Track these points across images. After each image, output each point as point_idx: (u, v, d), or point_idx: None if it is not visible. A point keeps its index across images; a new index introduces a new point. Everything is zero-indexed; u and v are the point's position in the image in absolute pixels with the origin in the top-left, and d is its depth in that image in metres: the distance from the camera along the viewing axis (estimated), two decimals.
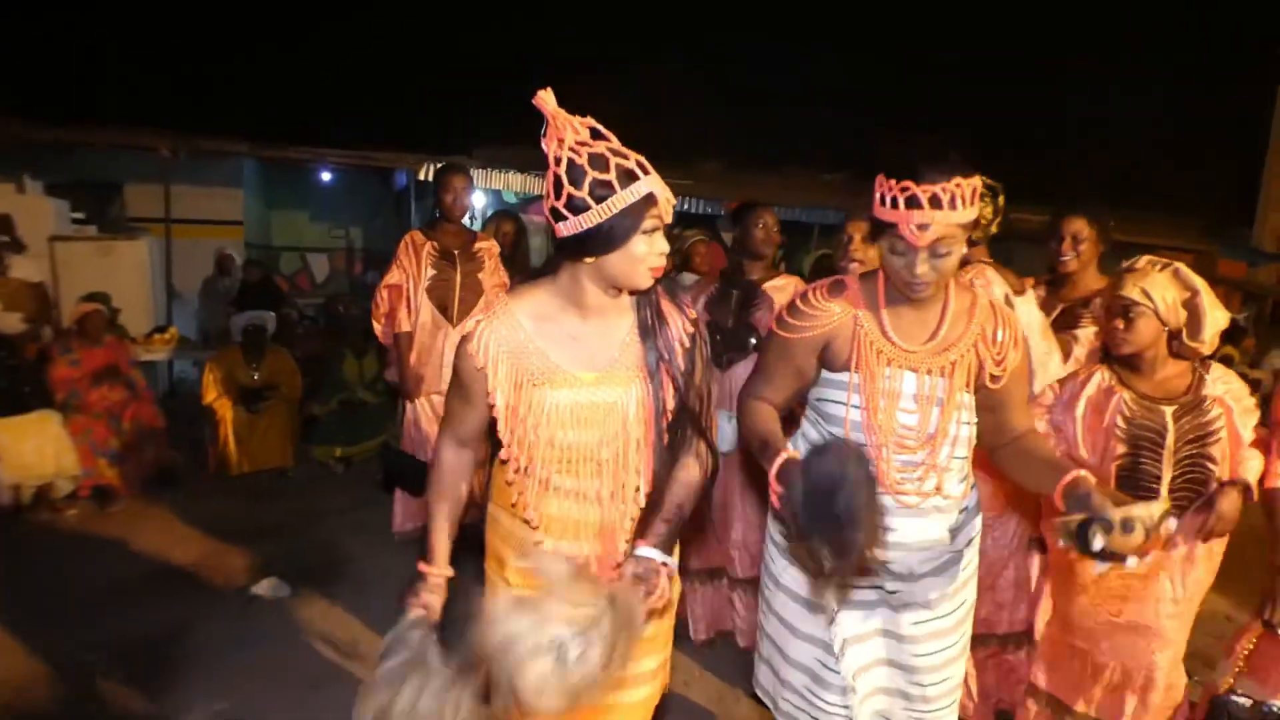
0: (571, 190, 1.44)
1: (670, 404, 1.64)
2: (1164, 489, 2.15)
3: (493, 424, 1.61)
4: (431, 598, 1.59)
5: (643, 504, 1.63)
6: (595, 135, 1.48)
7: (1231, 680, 2.25)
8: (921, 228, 1.48)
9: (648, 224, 1.48)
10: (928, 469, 1.69)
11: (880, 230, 1.55)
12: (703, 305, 3.00)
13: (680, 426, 1.65)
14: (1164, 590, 2.18)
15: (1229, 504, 2.11)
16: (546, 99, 1.46)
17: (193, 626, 3.17)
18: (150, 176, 8.23)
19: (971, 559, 1.80)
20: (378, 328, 3.72)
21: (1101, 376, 2.25)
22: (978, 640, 2.28)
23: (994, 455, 1.77)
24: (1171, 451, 2.15)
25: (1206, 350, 2.17)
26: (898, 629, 1.77)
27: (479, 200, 9.10)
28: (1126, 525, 1.33)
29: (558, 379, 1.59)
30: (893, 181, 1.49)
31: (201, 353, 6.42)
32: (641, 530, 1.56)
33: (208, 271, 7.88)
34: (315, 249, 12.11)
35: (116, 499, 4.56)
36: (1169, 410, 2.16)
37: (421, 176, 8.73)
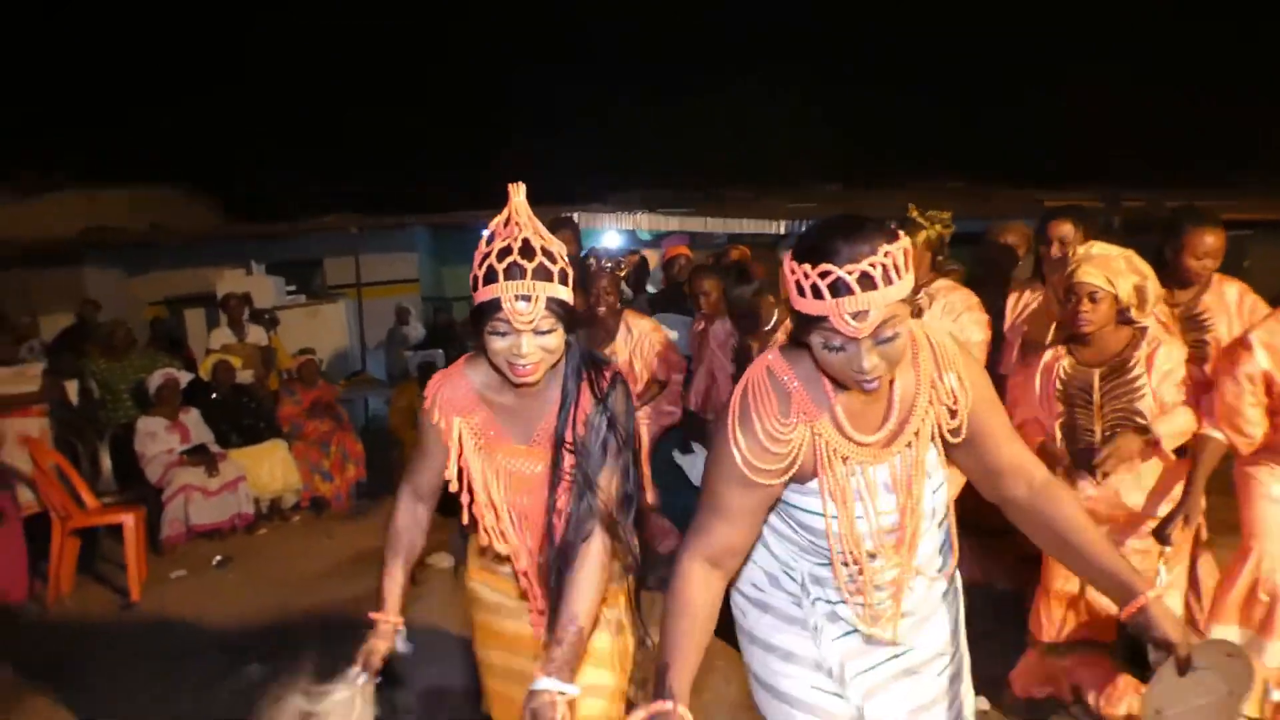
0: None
1: (572, 483, 1.63)
2: (1097, 440, 2.41)
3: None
4: (379, 643, 1.66)
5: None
6: (508, 223, 1.50)
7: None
8: (858, 316, 1.18)
9: (494, 325, 1.48)
10: (897, 586, 1.48)
11: (806, 326, 1.24)
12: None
13: (583, 513, 1.61)
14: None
15: (1122, 443, 2.33)
16: (515, 191, 1.53)
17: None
18: (343, 250, 9.60)
19: (946, 583, 1.59)
20: None
21: (1051, 354, 2.53)
22: None
23: (1010, 514, 1.48)
24: (1099, 407, 2.42)
25: (1147, 320, 2.44)
26: (929, 694, 1.56)
27: (613, 240, 9.99)
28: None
29: (497, 445, 1.66)
30: (807, 267, 1.19)
31: (388, 390, 7.51)
32: (545, 656, 1.49)
33: (391, 324, 9.23)
34: None
35: (329, 507, 5.73)
36: (1097, 372, 2.43)
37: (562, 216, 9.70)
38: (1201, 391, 2.66)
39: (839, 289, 1.17)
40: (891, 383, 1.37)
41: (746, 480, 1.37)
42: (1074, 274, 2.41)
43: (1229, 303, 2.86)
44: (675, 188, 10.37)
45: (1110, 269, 2.37)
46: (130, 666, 3.53)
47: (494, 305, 1.46)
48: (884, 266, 1.17)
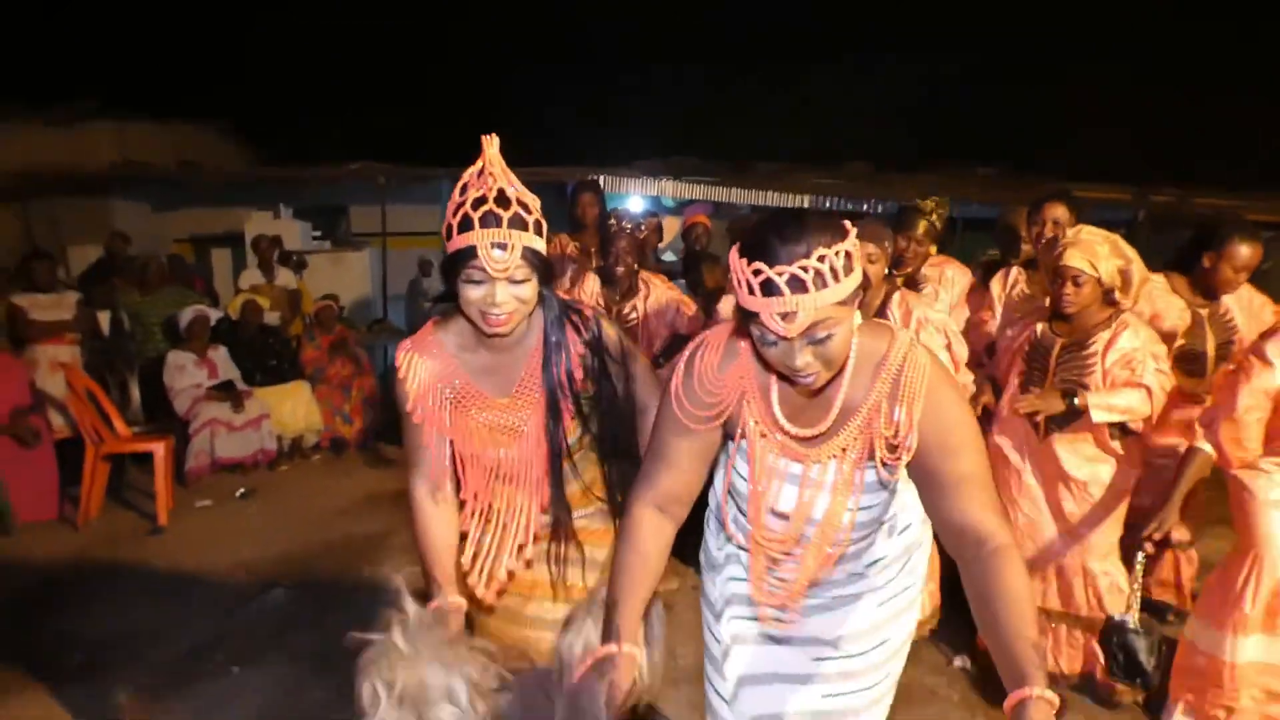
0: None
1: (572, 435, 1.66)
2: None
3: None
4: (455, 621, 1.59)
5: (548, 522, 1.70)
6: (481, 175, 1.50)
7: (1129, 604, 2.45)
8: (786, 317, 1.17)
9: (468, 274, 1.48)
10: (799, 570, 1.48)
11: (745, 318, 1.24)
12: None
13: (609, 462, 1.68)
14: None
15: (1046, 394, 2.52)
16: (488, 143, 1.51)
17: (400, 531, 4.26)
18: (370, 200, 9.62)
19: (887, 598, 1.59)
20: None
21: (1040, 327, 2.70)
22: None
23: (959, 566, 1.33)
24: (1051, 374, 2.59)
25: (1129, 304, 2.54)
26: (800, 669, 1.58)
27: (637, 205, 10.01)
28: None
29: (475, 401, 1.65)
30: (744, 263, 1.19)
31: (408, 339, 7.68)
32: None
33: (414, 275, 9.33)
34: None
35: (348, 449, 5.90)
36: (1059, 344, 2.59)
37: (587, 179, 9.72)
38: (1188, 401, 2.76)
39: (769, 289, 1.16)
40: (838, 386, 1.33)
41: (682, 426, 1.41)
42: (1060, 257, 2.52)
43: (1243, 302, 2.95)
44: (702, 156, 10.37)
45: (1094, 253, 2.47)
46: (157, 585, 3.72)
47: (469, 253, 1.45)
48: (816, 270, 1.15)
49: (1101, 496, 2.62)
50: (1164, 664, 2.44)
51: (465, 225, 1.45)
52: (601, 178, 9.40)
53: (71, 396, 4.50)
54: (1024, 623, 1.18)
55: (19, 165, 9.06)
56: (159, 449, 4.43)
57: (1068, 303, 2.55)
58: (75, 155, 9.87)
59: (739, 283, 1.20)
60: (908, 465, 1.35)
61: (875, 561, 1.54)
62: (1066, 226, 2.99)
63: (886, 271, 2.76)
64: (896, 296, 2.77)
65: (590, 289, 3.68)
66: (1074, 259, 2.50)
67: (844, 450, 1.37)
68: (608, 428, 1.70)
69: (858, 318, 1.28)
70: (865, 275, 2.53)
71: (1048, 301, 2.75)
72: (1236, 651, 2.36)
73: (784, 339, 1.21)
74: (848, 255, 1.18)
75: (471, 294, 1.50)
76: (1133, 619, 2.41)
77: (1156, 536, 2.35)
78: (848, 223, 1.21)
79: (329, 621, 3.22)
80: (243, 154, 13.02)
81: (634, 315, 3.70)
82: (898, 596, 1.59)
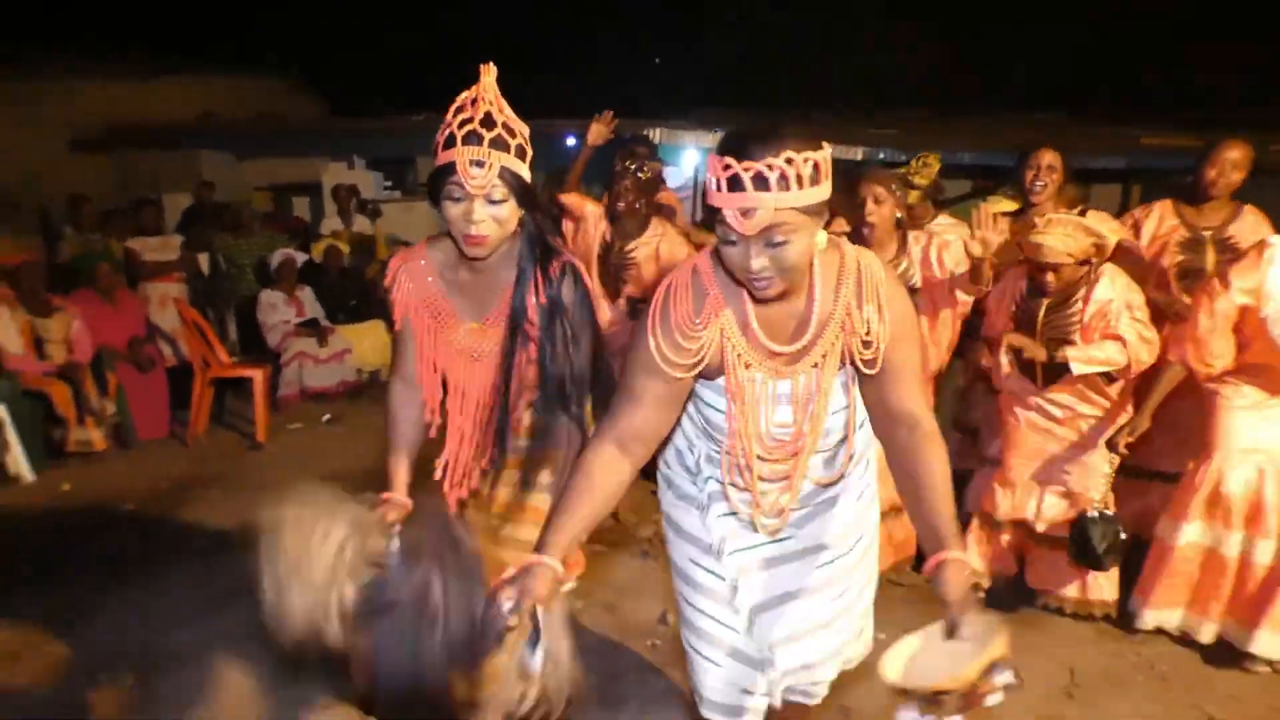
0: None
1: (531, 364, 1.72)
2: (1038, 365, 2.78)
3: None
4: (389, 511, 1.69)
5: (507, 446, 1.77)
6: (474, 102, 1.53)
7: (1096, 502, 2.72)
8: (746, 213, 1.20)
9: (449, 190, 1.52)
10: (785, 486, 1.56)
11: (710, 216, 1.27)
12: None
13: (551, 394, 1.70)
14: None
15: (1029, 345, 2.70)
16: (485, 71, 1.57)
17: None
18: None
19: (858, 494, 1.68)
20: None
21: (1018, 270, 2.90)
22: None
23: (885, 451, 1.47)
24: (1039, 333, 2.77)
25: (1100, 258, 2.70)
26: (807, 581, 1.66)
27: (692, 157, 10.21)
28: (935, 699, 1.16)
29: (450, 323, 1.71)
30: (716, 158, 1.22)
31: None
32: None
33: None
34: None
35: None
36: (1044, 304, 2.77)
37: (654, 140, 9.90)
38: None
39: (734, 184, 1.20)
40: (811, 301, 1.40)
41: (657, 369, 1.42)
42: (1036, 250, 2.65)
43: (1249, 227, 3.06)
44: (755, 106, 10.45)
45: (1066, 240, 2.60)
46: (260, 490, 4.25)
47: (449, 168, 1.50)
48: (781, 171, 1.18)
49: (1091, 430, 2.85)
50: (1119, 555, 2.73)
51: (449, 143, 1.51)
52: (655, 130, 9.63)
53: (182, 328, 5.07)
54: (943, 499, 1.33)
55: (110, 118, 9.74)
56: (258, 375, 4.97)
57: (1051, 288, 2.74)
58: (162, 108, 10.51)
59: (710, 179, 1.24)
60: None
61: (850, 458, 1.60)
62: (1059, 170, 3.13)
63: (897, 219, 2.87)
64: (911, 235, 2.94)
65: (595, 223, 3.76)
66: (1050, 253, 2.63)
67: (824, 357, 1.43)
68: (552, 368, 1.71)
69: (821, 238, 1.34)
70: (868, 219, 2.81)
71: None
72: (1179, 535, 2.72)
73: (742, 237, 1.24)
74: (816, 166, 1.22)
75: (452, 211, 1.54)
76: (1095, 511, 2.69)
77: (1128, 439, 2.63)
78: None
79: (405, 521, 3.68)
80: (317, 107, 13.56)
81: (634, 255, 3.74)
82: (865, 491, 1.69)
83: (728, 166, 1.21)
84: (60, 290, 4.95)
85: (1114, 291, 2.71)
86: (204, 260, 6.05)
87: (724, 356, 1.43)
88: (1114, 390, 2.84)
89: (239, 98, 11.72)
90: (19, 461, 4.39)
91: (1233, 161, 3.02)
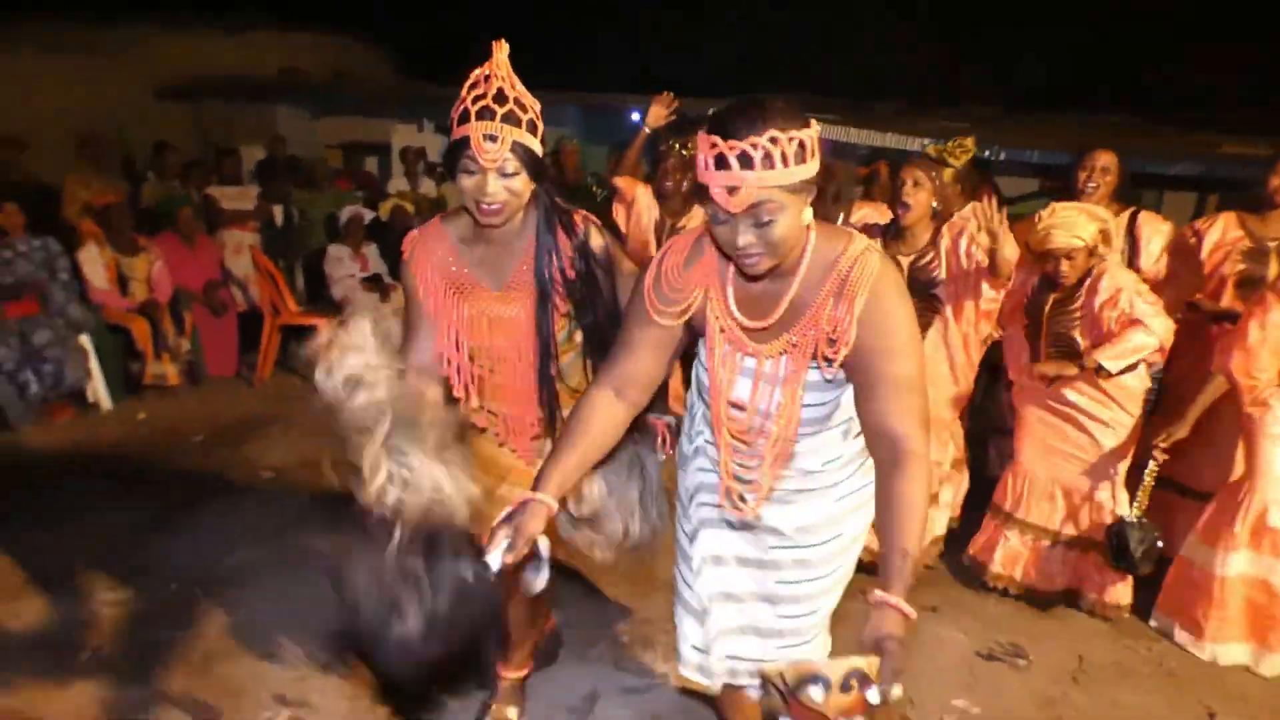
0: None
1: (561, 331, 1.76)
2: (1042, 348, 2.87)
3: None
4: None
5: (541, 410, 1.81)
6: (488, 78, 1.58)
7: (1139, 504, 2.76)
8: (731, 191, 1.23)
9: (464, 164, 1.56)
10: (760, 463, 1.56)
11: (701, 194, 1.30)
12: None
13: (592, 352, 1.78)
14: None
15: (1063, 363, 2.79)
16: (498, 48, 1.62)
17: None
18: None
19: (843, 494, 1.65)
20: None
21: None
22: None
23: (875, 465, 1.40)
24: (1044, 327, 2.86)
25: (1109, 253, 2.77)
26: (757, 554, 1.69)
27: None
28: (845, 685, 1.13)
29: (469, 291, 1.75)
30: (704, 136, 1.25)
31: None
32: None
33: None
34: None
35: None
36: (1051, 298, 2.84)
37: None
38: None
39: (720, 163, 1.23)
40: (789, 285, 1.40)
41: (647, 316, 1.50)
42: (1046, 241, 2.72)
43: None
44: (821, 93, 10.37)
45: (1074, 228, 2.68)
46: (314, 432, 4.49)
47: (464, 143, 1.55)
48: (766, 150, 1.20)
49: (1111, 432, 2.88)
50: (1153, 562, 2.77)
51: (464, 118, 1.56)
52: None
53: (256, 274, 5.35)
54: (905, 534, 1.26)
55: (194, 69, 10.13)
56: (324, 324, 5.20)
57: (1065, 277, 2.79)
58: (243, 62, 10.89)
59: (699, 157, 1.27)
60: (846, 364, 1.40)
61: (832, 460, 1.60)
62: (1114, 173, 3.17)
63: (934, 208, 2.90)
64: (944, 241, 2.94)
65: (646, 205, 3.83)
66: (1060, 239, 2.70)
67: (793, 345, 1.43)
68: (593, 327, 1.79)
69: (808, 215, 1.34)
70: (905, 200, 2.84)
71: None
72: (1227, 566, 2.71)
73: (729, 214, 1.26)
74: (801, 144, 1.23)
75: (466, 183, 1.59)
76: (1133, 515, 2.75)
77: (1165, 445, 2.67)
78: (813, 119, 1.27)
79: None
80: (390, 70, 13.86)
81: (685, 229, 3.75)
82: (855, 493, 1.65)
83: (714, 145, 1.23)
84: (143, 232, 5.25)
85: (1123, 280, 2.75)
86: (278, 212, 6.32)
87: (706, 317, 1.49)
88: (1130, 396, 2.84)
89: (317, 56, 12.06)
90: (100, 391, 4.71)
91: (1103, 165, 3.03)
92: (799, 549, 1.66)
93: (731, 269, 1.44)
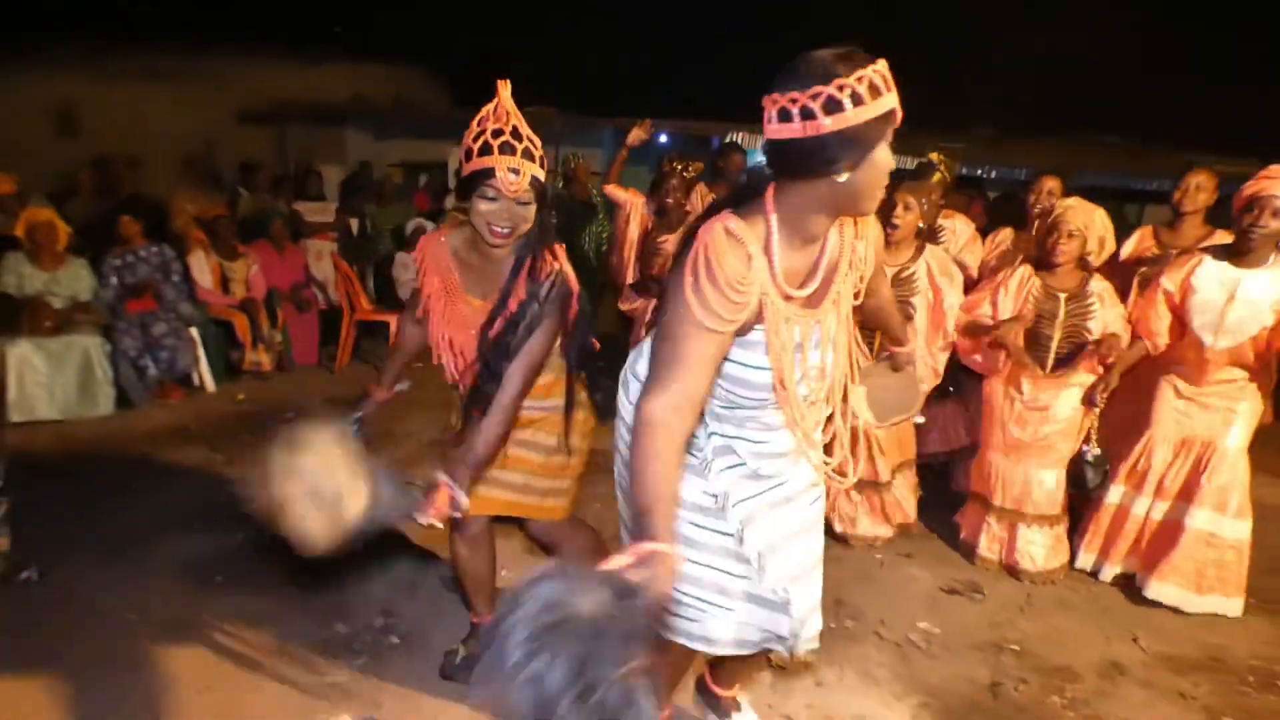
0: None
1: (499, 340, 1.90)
2: (1054, 346, 3.11)
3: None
4: (369, 403, 2.12)
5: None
6: (499, 114, 1.74)
7: (1088, 438, 3.16)
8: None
9: (484, 191, 1.71)
10: (832, 425, 1.63)
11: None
12: None
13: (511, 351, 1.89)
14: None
15: (1110, 343, 3.01)
16: (502, 87, 1.74)
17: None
18: (546, 140, 10.98)
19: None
20: None
21: (1024, 270, 3.16)
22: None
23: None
24: (1061, 323, 3.10)
25: (1096, 264, 3.13)
26: (808, 516, 1.76)
27: None
28: None
29: (457, 297, 1.94)
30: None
31: None
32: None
33: None
34: None
35: None
36: (1063, 297, 3.08)
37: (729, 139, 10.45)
38: None
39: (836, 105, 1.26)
40: (823, 246, 1.48)
41: (706, 329, 1.39)
42: (1062, 213, 3.01)
43: None
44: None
45: (1089, 218, 3.00)
46: (386, 415, 5.14)
47: (488, 173, 1.70)
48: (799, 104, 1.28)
49: (1065, 419, 3.20)
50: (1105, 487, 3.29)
51: (485, 150, 1.71)
52: (742, 135, 10.27)
53: (335, 277, 6.10)
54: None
55: (273, 95, 11.11)
56: (393, 320, 5.92)
57: (1060, 252, 3.01)
58: (317, 89, 11.87)
59: (785, 115, 1.30)
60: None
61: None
62: (1057, 195, 3.57)
63: (920, 228, 3.17)
64: (924, 262, 3.21)
65: (637, 215, 4.21)
66: (1074, 217, 2.98)
67: (840, 294, 1.52)
68: (509, 346, 1.91)
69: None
70: (894, 221, 3.13)
71: (1018, 260, 3.26)
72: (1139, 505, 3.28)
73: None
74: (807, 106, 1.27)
75: (484, 208, 1.74)
76: (1090, 452, 3.17)
77: (1102, 392, 3.06)
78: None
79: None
80: (445, 95, 14.79)
81: (664, 246, 4.05)
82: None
83: (817, 94, 1.27)
84: (240, 241, 6.03)
85: (1103, 284, 3.11)
86: (354, 223, 7.08)
87: (762, 309, 1.45)
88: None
89: (381, 84, 13.03)
90: (205, 374, 5.44)
91: (1197, 183, 3.45)
92: (819, 488, 1.78)
93: (775, 253, 1.43)
